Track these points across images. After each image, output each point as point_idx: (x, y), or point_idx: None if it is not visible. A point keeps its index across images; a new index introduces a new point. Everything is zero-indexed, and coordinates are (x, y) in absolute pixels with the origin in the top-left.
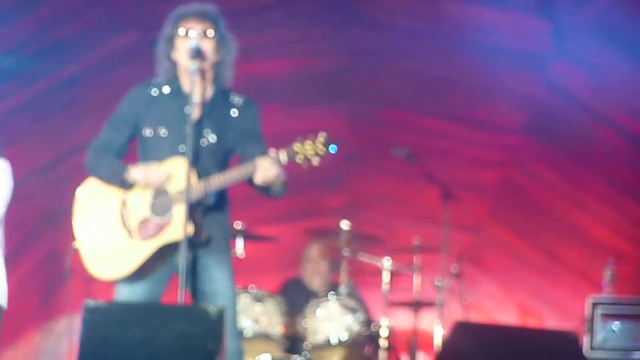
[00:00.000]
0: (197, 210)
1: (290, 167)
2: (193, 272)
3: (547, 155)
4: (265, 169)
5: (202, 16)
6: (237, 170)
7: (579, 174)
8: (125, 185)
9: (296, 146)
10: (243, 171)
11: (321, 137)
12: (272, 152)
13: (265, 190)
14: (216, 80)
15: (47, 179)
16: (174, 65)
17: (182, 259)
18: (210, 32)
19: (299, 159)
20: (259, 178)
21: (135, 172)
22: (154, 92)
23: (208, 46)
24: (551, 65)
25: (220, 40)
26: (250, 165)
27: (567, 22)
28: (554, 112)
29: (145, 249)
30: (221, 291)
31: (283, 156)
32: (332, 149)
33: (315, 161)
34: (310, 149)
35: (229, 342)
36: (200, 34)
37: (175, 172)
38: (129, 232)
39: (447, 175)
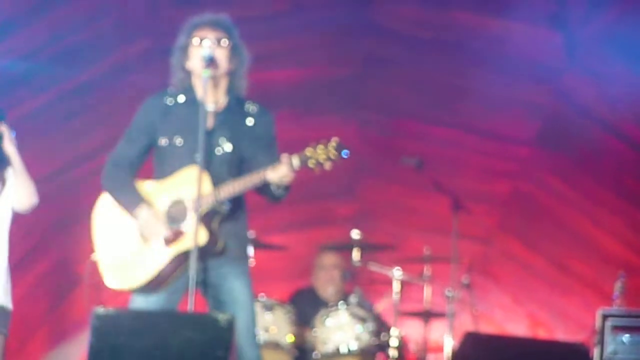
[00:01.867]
0: (213, 218)
1: (301, 176)
2: (211, 282)
3: (558, 166)
4: (282, 173)
5: (215, 25)
6: (249, 177)
7: (589, 185)
8: (132, 215)
9: (308, 151)
10: (255, 178)
11: (333, 141)
12: (284, 157)
13: (272, 195)
14: (230, 89)
15: (58, 186)
16: (188, 75)
17: (192, 266)
18: (224, 42)
19: (311, 164)
20: (275, 179)
21: (141, 214)
22: (169, 101)
23: (222, 55)
24: (562, 76)
25: (233, 50)
26: (261, 172)
27: (578, 33)
28: (564, 123)
29: (160, 258)
30: (239, 301)
31: (296, 161)
32: (345, 153)
33: (328, 165)
34: (323, 154)
35: (247, 352)
36: (214, 43)
37: (190, 180)
38: (146, 241)
39: (457, 185)
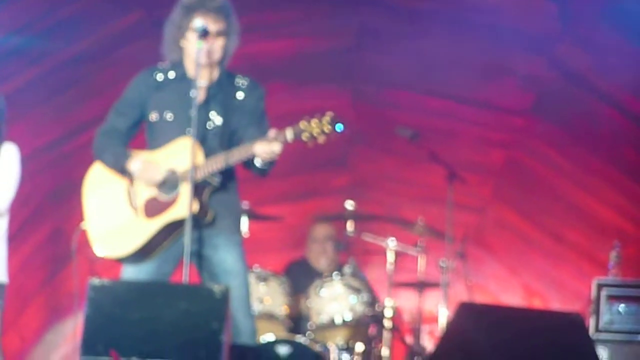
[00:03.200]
0: (204, 190)
1: (295, 147)
2: (203, 254)
3: (552, 136)
4: (268, 149)
5: (218, 13)
6: (239, 150)
7: (584, 155)
8: (125, 174)
9: (303, 124)
10: (245, 151)
11: (328, 115)
12: (272, 132)
13: (257, 169)
14: (220, 64)
15: (53, 157)
16: (180, 50)
17: (187, 237)
18: (223, 31)
19: (305, 137)
20: (262, 154)
21: (134, 165)
22: (160, 77)
23: (218, 46)
24: (557, 46)
25: (229, 34)
26: (251, 145)
27: (573, 3)
28: (559, 93)
29: (150, 227)
30: (232, 272)
31: (289, 134)
32: (339, 127)
33: (321, 139)
34: (317, 127)
35: (242, 322)
36: (213, 35)
37: (182, 152)
38: (135, 210)
39: (451, 156)
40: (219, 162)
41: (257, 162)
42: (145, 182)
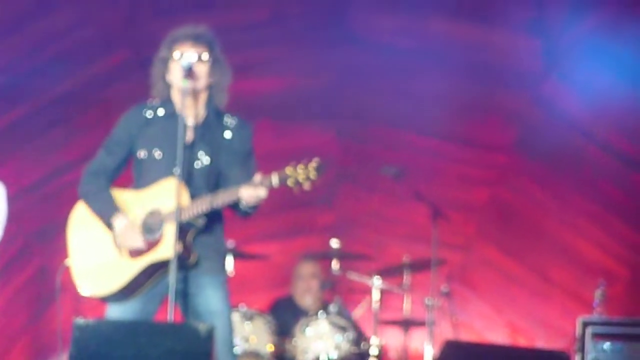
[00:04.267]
0: (188, 231)
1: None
2: (187, 293)
3: (537, 173)
4: (254, 194)
5: (197, 40)
6: (225, 193)
7: (568, 192)
8: (108, 226)
9: (289, 170)
10: (230, 195)
11: (314, 162)
12: (258, 177)
13: (241, 211)
14: (209, 102)
15: (39, 196)
16: (168, 87)
17: (172, 277)
18: (205, 56)
19: (290, 182)
20: (247, 199)
21: (117, 223)
22: (149, 114)
23: (202, 70)
24: (541, 83)
25: (214, 63)
26: (237, 189)
27: (557, 40)
28: (543, 130)
29: (133, 267)
30: (216, 312)
31: (275, 179)
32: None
33: (307, 185)
34: (303, 173)
35: None
36: (194, 58)
37: (168, 192)
38: (119, 249)
39: (436, 194)
40: (203, 204)
41: (242, 205)
42: (122, 243)
